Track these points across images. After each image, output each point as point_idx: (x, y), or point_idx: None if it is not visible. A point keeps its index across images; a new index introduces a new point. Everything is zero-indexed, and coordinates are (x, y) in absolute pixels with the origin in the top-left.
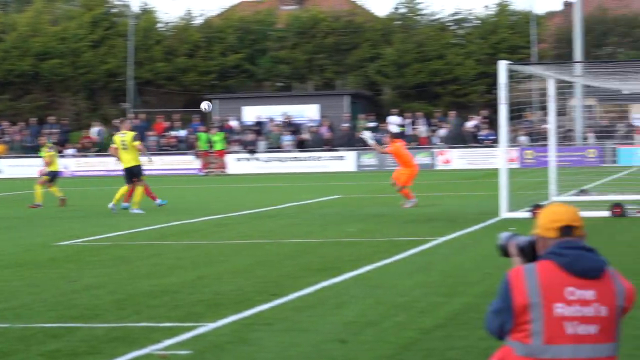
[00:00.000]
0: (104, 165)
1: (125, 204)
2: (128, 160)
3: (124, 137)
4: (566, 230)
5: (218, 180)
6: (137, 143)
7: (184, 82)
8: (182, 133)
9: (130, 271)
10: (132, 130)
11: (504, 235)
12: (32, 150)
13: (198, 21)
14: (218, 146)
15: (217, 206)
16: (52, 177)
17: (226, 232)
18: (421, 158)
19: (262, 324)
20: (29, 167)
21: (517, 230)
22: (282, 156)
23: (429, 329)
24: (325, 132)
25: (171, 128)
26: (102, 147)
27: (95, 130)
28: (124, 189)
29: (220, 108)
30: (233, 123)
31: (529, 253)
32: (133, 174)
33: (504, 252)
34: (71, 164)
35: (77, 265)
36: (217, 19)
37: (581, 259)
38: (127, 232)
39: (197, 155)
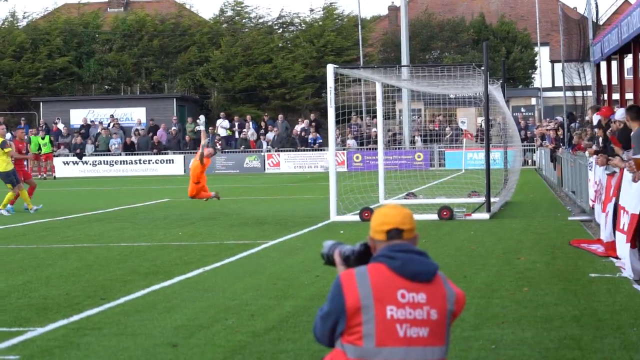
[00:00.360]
0: None
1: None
2: None
3: None
4: (394, 233)
5: (45, 184)
6: (7, 150)
7: (9, 84)
8: (8, 136)
9: None
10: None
11: (327, 243)
12: None
13: (22, 23)
14: (45, 149)
15: (44, 210)
16: None
17: (54, 236)
18: (250, 161)
19: (91, 328)
20: None
21: (344, 234)
22: (110, 159)
23: (260, 332)
24: (162, 134)
25: None
26: None
27: None
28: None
29: (47, 111)
30: (60, 126)
31: (353, 262)
32: (2, 179)
33: (328, 260)
34: None
35: None
36: (41, 21)
37: (412, 262)
38: None
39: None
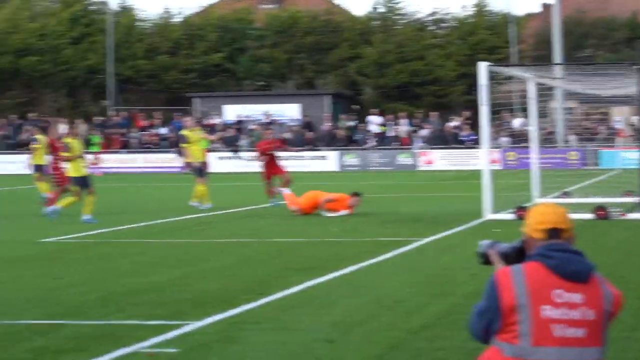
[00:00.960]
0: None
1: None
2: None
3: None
4: (553, 232)
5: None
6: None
7: (165, 80)
8: (163, 131)
9: (114, 269)
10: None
11: (484, 242)
12: (12, 147)
13: (177, 19)
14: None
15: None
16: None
17: (210, 231)
18: (403, 159)
19: (249, 323)
20: (10, 164)
21: (501, 232)
22: None
23: (416, 330)
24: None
25: (152, 126)
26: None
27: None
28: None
29: (202, 106)
30: (215, 121)
31: (513, 259)
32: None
33: (485, 259)
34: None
35: (62, 262)
36: (196, 17)
37: (569, 261)
38: (111, 229)
39: (180, 153)
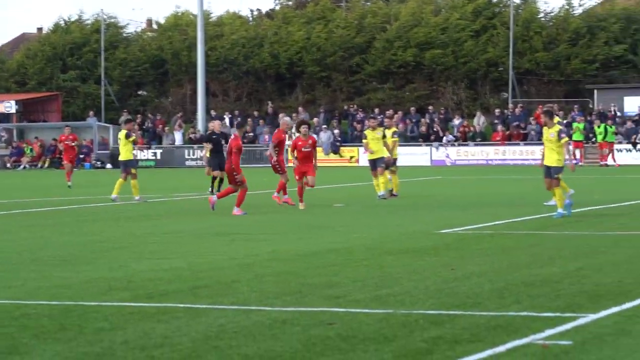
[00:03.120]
0: (484, 155)
1: None
2: None
3: None
4: None
5: (597, 171)
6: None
7: (565, 70)
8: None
9: (510, 260)
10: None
11: None
12: (412, 139)
13: (578, 11)
14: (600, 138)
15: (597, 197)
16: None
17: (606, 223)
18: None
19: None
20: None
21: None
22: None
23: None
24: None
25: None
26: (483, 137)
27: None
28: None
29: (601, 98)
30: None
31: None
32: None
33: None
34: (452, 153)
35: (458, 253)
36: (598, 8)
37: None
38: (506, 221)
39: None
